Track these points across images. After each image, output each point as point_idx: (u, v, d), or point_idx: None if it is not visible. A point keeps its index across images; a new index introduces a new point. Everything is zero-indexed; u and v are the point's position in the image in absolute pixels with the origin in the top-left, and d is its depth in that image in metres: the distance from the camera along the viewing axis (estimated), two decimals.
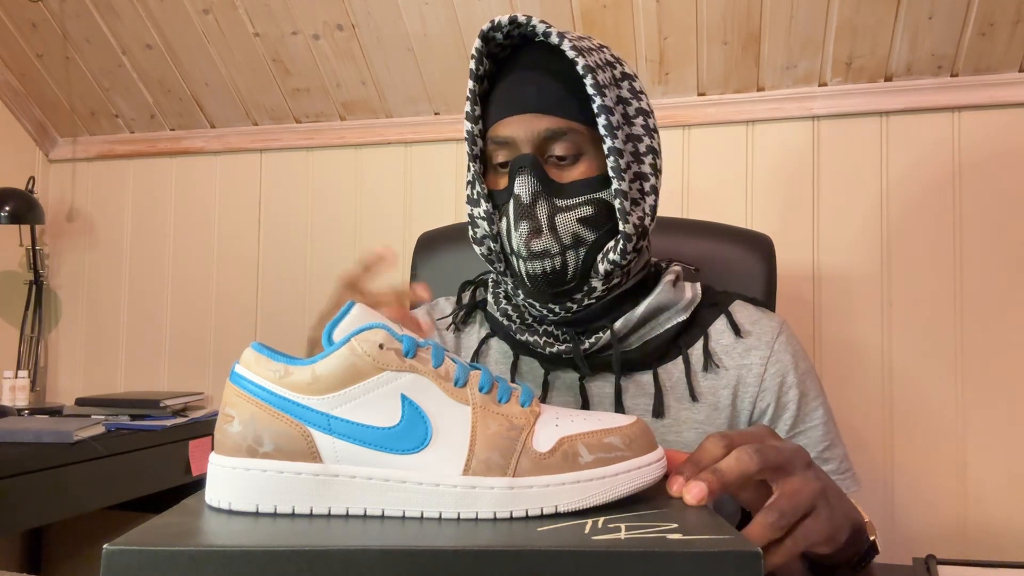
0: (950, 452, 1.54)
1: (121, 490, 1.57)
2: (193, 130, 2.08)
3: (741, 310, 0.85)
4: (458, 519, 0.45)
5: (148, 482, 1.64)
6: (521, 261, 0.75)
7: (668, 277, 0.82)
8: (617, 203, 0.74)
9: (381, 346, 0.47)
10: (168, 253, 2.11)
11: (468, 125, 0.77)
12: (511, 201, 0.74)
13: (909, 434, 1.56)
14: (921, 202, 1.58)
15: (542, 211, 0.73)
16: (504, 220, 0.76)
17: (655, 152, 0.78)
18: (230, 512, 0.45)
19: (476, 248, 0.79)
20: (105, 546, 0.38)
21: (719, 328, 0.83)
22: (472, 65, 0.76)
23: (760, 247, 1.09)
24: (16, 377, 1.90)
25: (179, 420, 1.74)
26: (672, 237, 1.09)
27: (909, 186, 1.59)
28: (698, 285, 0.86)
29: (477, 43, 0.75)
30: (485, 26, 0.75)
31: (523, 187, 0.72)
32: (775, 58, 1.60)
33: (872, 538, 0.62)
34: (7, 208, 1.90)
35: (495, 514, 0.45)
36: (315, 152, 1.99)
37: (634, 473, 0.48)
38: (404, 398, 0.47)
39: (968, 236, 1.55)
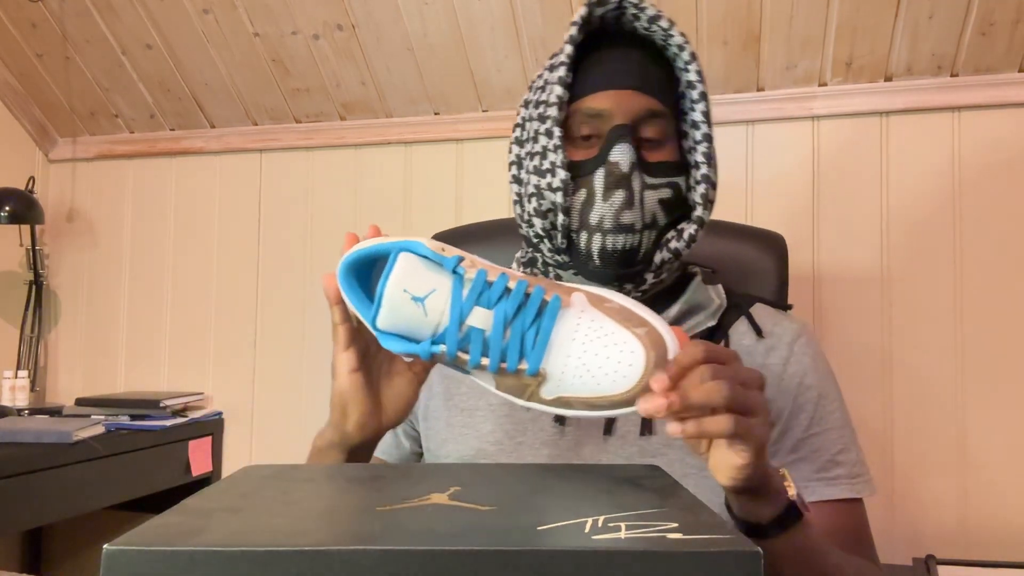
0: (950, 452, 1.54)
1: (121, 490, 1.57)
2: (193, 130, 2.08)
3: (762, 312, 0.85)
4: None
5: (148, 482, 1.64)
6: (597, 235, 0.73)
7: (699, 277, 0.84)
8: (702, 188, 0.75)
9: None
10: (168, 253, 2.11)
11: (559, 90, 0.74)
12: (601, 170, 0.72)
13: (909, 434, 1.56)
14: (921, 202, 1.58)
15: (636, 183, 0.72)
16: (583, 191, 0.74)
17: (709, 139, 0.78)
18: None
19: (537, 223, 0.76)
20: (105, 546, 0.38)
21: (740, 330, 0.83)
22: (573, 31, 0.75)
23: (772, 245, 1.09)
24: (16, 377, 1.90)
25: (179, 420, 1.74)
26: None
27: (909, 186, 1.59)
28: (720, 288, 0.86)
29: (583, 11, 0.75)
30: None
31: (622, 155, 0.71)
32: (775, 58, 1.60)
33: (791, 498, 0.62)
34: (7, 208, 1.89)
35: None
36: (315, 152, 1.99)
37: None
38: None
39: (968, 236, 1.55)
